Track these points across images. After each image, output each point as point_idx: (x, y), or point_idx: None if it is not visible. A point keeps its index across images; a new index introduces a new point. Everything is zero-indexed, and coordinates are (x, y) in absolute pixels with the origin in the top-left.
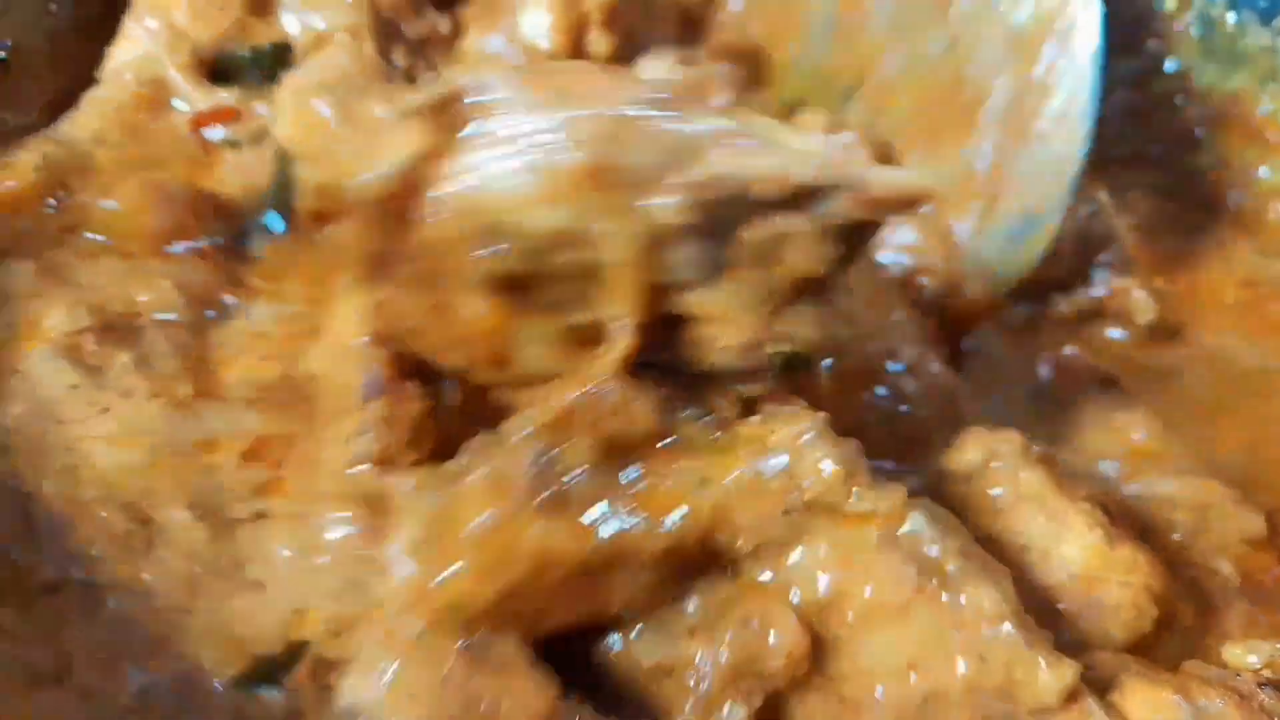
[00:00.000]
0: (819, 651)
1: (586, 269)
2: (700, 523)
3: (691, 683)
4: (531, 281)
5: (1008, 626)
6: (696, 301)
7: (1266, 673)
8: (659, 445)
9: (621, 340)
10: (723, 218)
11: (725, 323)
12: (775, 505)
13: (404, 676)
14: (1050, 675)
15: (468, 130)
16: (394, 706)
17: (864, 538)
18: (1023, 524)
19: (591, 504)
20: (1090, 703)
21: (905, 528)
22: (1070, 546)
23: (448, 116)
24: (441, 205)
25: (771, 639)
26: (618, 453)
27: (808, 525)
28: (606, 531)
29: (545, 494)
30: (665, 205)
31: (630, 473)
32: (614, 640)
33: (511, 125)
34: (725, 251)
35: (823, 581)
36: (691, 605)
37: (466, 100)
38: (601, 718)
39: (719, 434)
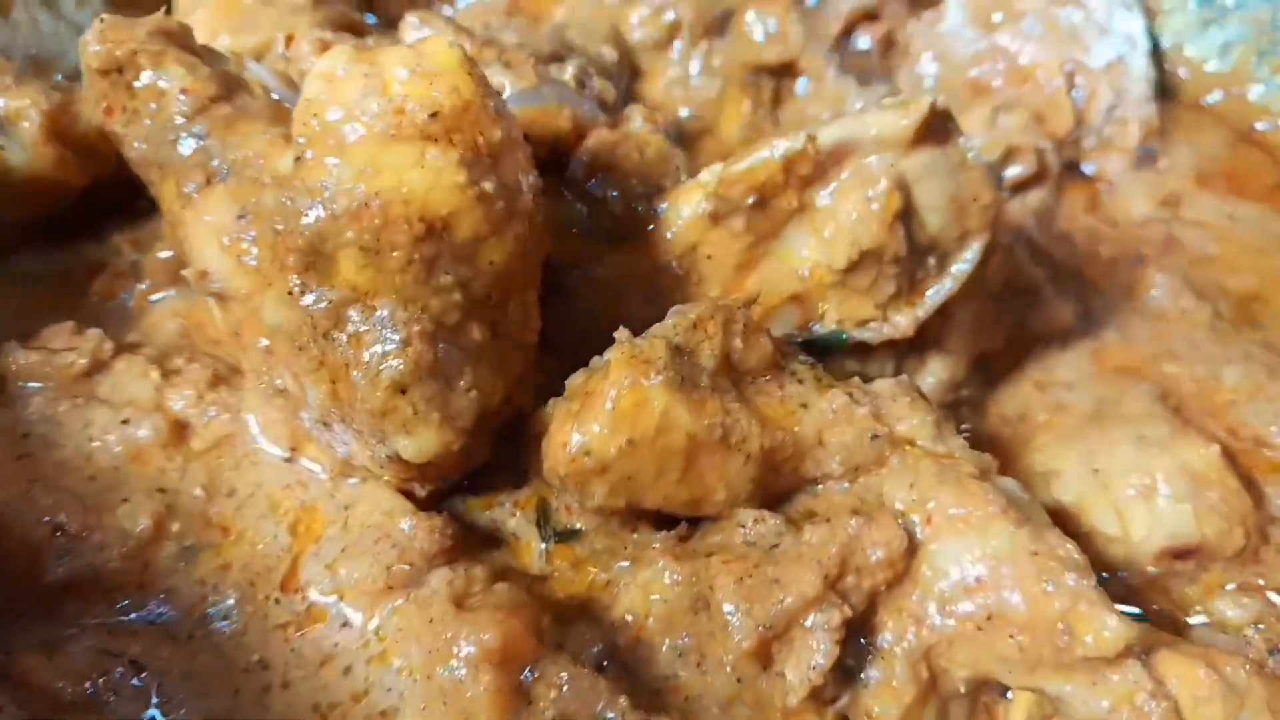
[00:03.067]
0: (910, 553)
1: None
2: (798, 438)
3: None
4: None
5: (1081, 569)
6: None
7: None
8: (773, 373)
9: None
10: None
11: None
12: (864, 430)
13: None
14: (1119, 627)
15: None
16: None
17: (955, 468)
18: None
19: (709, 395)
20: (1137, 664)
21: (997, 479)
22: None
23: None
24: None
25: (874, 534)
26: (737, 367)
27: (898, 452)
28: (723, 419)
29: (674, 372)
30: None
31: (746, 383)
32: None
33: None
34: None
35: (912, 493)
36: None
37: None
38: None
39: (829, 376)
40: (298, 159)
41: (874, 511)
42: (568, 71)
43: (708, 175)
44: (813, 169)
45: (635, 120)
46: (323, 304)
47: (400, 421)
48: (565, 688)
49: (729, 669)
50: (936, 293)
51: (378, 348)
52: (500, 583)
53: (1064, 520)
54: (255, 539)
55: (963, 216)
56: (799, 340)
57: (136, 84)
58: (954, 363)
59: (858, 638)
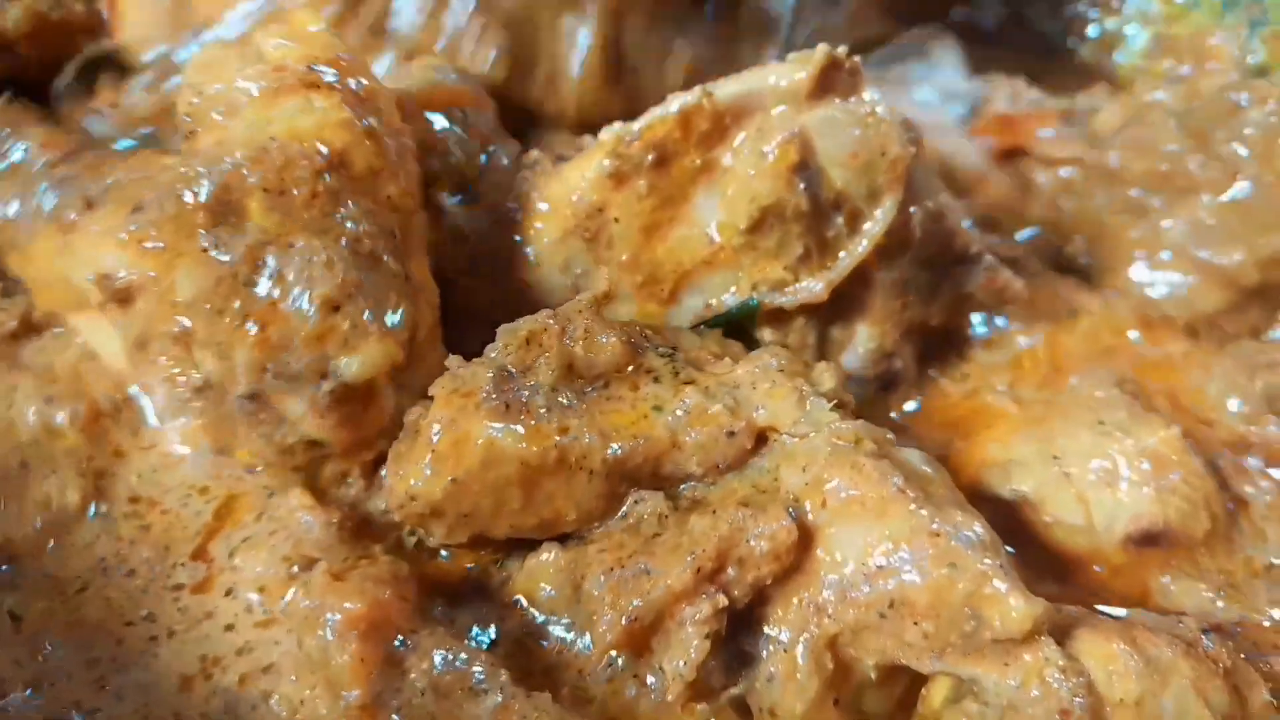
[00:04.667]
0: (803, 543)
1: None
2: (651, 443)
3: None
4: None
5: (987, 548)
6: None
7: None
8: (627, 373)
9: (599, 284)
10: None
11: None
12: (719, 428)
13: None
14: (1023, 607)
15: None
16: None
17: (849, 447)
18: None
19: (546, 415)
20: (1049, 644)
21: (891, 451)
22: None
23: None
24: None
25: (758, 524)
26: (581, 375)
27: (764, 444)
28: (557, 440)
29: (498, 400)
30: None
31: (590, 393)
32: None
33: None
34: None
35: (805, 476)
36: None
37: None
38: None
39: (688, 370)
40: (188, 136)
41: (764, 501)
42: None
43: (607, 134)
44: (711, 125)
45: None
46: (239, 252)
47: (340, 339)
48: (439, 659)
49: (600, 662)
50: (849, 255)
51: (302, 275)
52: (385, 556)
53: (1026, 511)
54: (179, 513)
55: (870, 172)
56: (708, 321)
57: None
58: (882, 332)
59: (749, 631)
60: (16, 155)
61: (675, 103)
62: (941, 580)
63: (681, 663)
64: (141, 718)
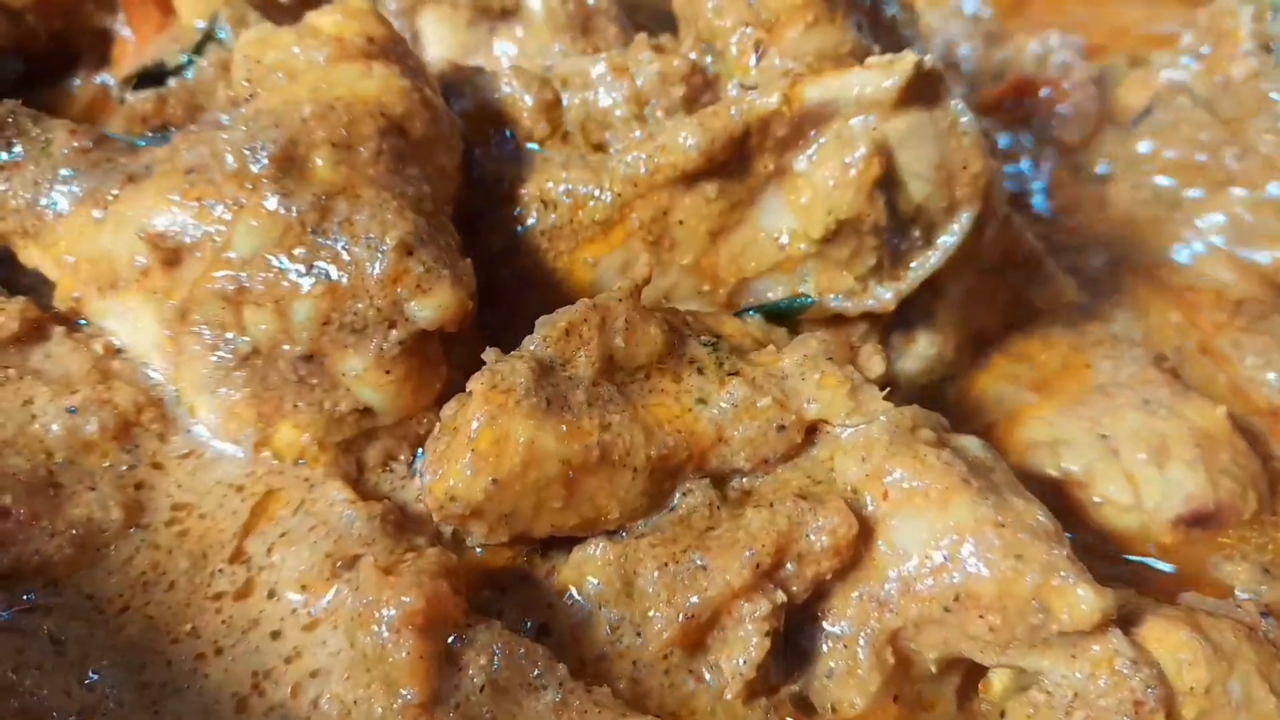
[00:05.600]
0: (863, 536)
1: None
2: (696, 437)
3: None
4: None
5: (1052, 538)
6: None
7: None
8: (669, 364)
9: (639, 270)
10: None
11: None
12: (768, 422)
13: None
14: (1093, 599)
15: None
16: None
17: (908, 437)
18: None
19: (587, 411)
20: (1118, 634)
21: (957, 439)
22: None
23: None
24: None
25: (818, 519)
26: (623, 368)
27: (813, 437)
28: (599, 437)
29: (538, 397)
30: None
31: (631, 386)
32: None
33: None
34: None
35: (865, 467)
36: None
37: None
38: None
39: (732, 360)
40: (249, 98)
41: (822, 493)
42: None
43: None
44: (789, 130)
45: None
46: (305, 201)
47: (414, 282)
48: (498, 654)
49: (657, 657)
50: (921, 266)
51: (375, 219)
52: (432, 548)
53: (1073, 490)
54: (215, 514)
55: (951, 185)
56: (755, 308)
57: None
58: (943, 340)
59: (808, 627)
60: (32, 145)
61: (748, 107)
62: (1008, 572)
63: (742, 660)
64: None
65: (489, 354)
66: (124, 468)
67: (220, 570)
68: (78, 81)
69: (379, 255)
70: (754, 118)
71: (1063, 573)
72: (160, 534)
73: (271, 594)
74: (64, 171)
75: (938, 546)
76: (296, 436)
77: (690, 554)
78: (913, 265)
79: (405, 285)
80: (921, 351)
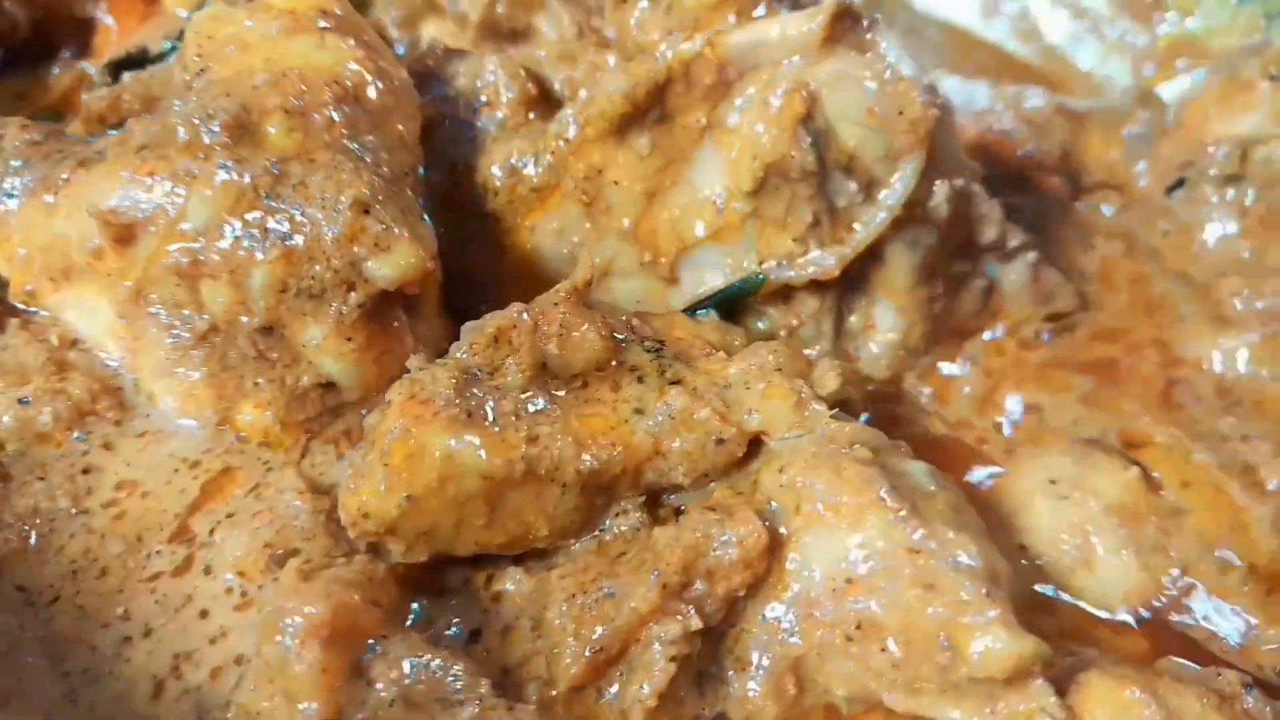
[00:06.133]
0: (775, 551)
1: None
2: (632, 450)
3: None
4: None
5: (977, 575)
6: None
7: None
8: (607, 371)
9: (580, 271)
10: None
11: None
12: (707, 434)
13: None
14: (1006, 642)
15: None
16: None
17: (834, 449)
18: None
19: (513, 422)
20: (1044, 688)
21: (889, 460)
22: None
23: None
24: None
25: (726, 531)
26: (558, 376)
27: (754, 450)
28: (524, 450)
29: (458, 408)
30: None
31: (565, 394)
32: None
33: None
34: None
35: (781, 478)
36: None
37: None
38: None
39: (676, 367)
40: (200, 72)
41: (734, 506)
42: None
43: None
44: (716, 77)
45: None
46: (259, 167)
47: (371, 240)
48: (412, 668)
49: (562, 699)
50: (865, 227)
51: (330, 180)
52: (361, 555)
53: None
54: (160, 492)
55: (886, 133)
56: (711, 298)
57: None
58: (907, 325)
59: (718, 649)
60: None
61: (672, 50)
62: (913, 602)
63: (645, 688)
64: None
65: (413, 360)
66: (76, 454)
67: (159, 551)
68: (56, 70)
69: (335, 214)
70: (678, 62)
71: (977, 612)
72: (96, 517)
73: (208, 570)
74: (14, 163)
75: (844, 567)
76: (259, 416)
77: (600, 581)
78: (856, 226)
79: (363, 244)
80: (884, 333)
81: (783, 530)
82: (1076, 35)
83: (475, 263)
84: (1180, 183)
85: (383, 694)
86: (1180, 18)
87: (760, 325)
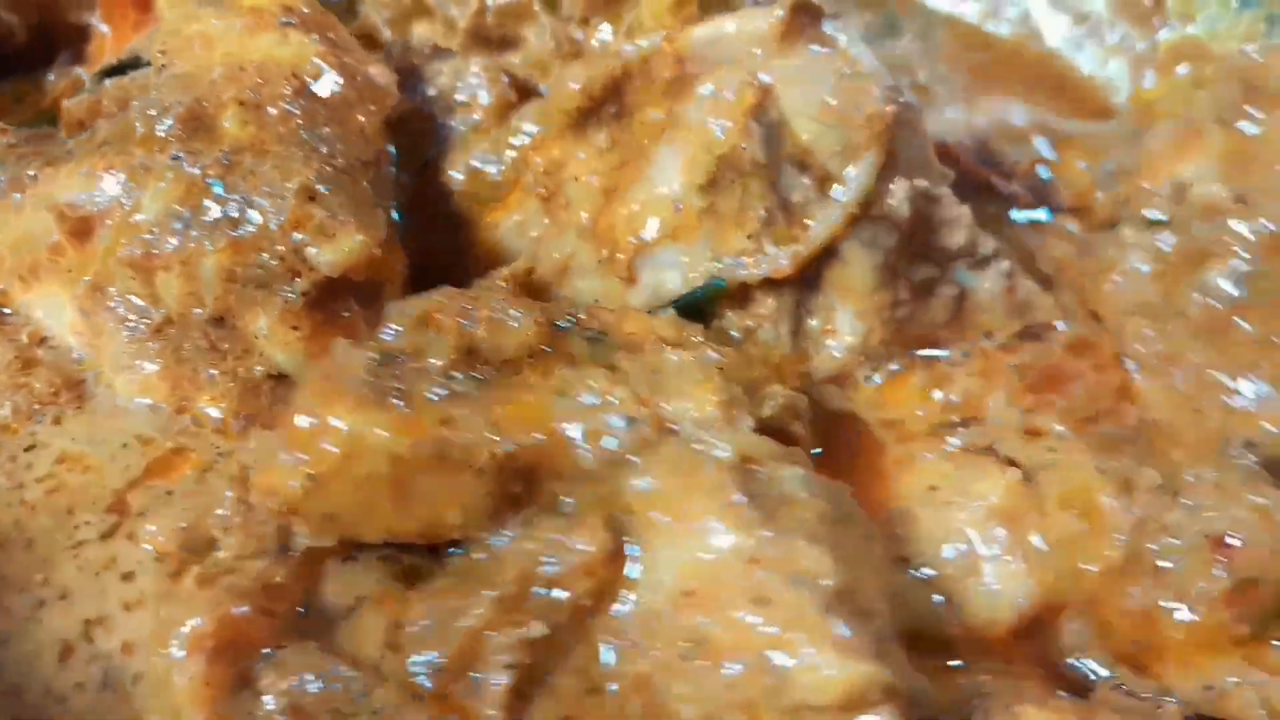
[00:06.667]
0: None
1: None
2: (554, 436)
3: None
4: None
5: (811, 590)
6: None
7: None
8: (539, 359)
9: (522, 259)
10: None
11: None
12: (621, 415)
13: None
14: (835, 666)
15: None
16: None
17: (700, 453)
18: None
19: (427, 404)
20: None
21: (763, 465)
22: None
23: None
24: None
25: (568, 538)
26: (488, 362)
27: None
28: (435, 432)
29: (370, 388)
30: None
31: (494, 381)
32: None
33: None
34: None
35: (640, 482)
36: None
37: None
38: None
39: (613, 355)
40: (160, 69)
41: (586, 511)
42: None
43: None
44: (675, 72)
45: None
46: (211, 158)
47: (316, 227)
48: (304, 679)
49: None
50: (820, 224)
51: (278, 169)
52: (257, 560)
53: None
54: (104, 467)
55: (843, 129)
56: (674, 303)
57: None
58: (868, 329)
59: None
60: None
61: (633, 46)
62: (746, 619)
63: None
64: (13, 697)
65: (338, 343)
66: (25, 435)
67: (89, 522)
68: (52, 75)
69: (281, 202)
70: (636, 57)
71: (806, 631)
72: (29, 490)
73: (132, 536)
74: None
75: (687, 579)
76: (213, 407)
77: (447, 600)
78: (810, 223)
79: (307, 231)
80: (844, 337)
81: (630, 538)
82: (1077, 40)
83: (446, 258)
84: (1115, 222)
85: (270, 706)
86: (1181, 23)
87: (720, 326)
